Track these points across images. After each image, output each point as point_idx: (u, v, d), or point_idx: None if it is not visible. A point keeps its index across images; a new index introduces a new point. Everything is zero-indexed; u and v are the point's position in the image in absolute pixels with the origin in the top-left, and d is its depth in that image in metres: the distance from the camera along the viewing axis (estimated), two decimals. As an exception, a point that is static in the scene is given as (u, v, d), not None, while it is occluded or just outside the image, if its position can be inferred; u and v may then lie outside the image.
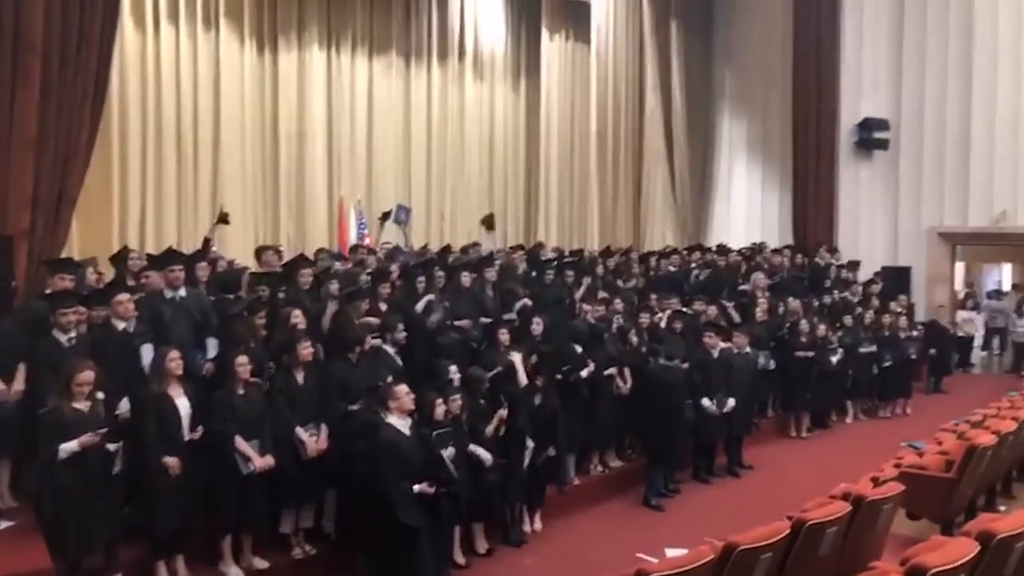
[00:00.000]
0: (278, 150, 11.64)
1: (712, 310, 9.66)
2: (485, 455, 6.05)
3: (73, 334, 5.67)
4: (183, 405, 5.36)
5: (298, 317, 6.32)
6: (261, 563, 5.68)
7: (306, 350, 5.89)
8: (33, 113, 6.17)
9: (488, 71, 14.33)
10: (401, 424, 5.37)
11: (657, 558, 4.76)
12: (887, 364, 10.99)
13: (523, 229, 14.88)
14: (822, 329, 10.26)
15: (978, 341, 15.33)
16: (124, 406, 5.53)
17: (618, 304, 8.69)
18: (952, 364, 13.35)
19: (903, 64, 14.40)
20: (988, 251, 16.59)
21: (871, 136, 14.34)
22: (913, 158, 14.41)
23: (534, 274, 9.41)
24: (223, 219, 8.56)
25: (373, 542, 5.40)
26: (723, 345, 8.53)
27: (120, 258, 7.54)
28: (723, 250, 12.47)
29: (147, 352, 5.77)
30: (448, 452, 5.57)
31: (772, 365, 9.63)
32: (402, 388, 5.46)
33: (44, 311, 5.80)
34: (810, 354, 9.90)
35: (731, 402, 8.24)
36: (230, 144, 11.03)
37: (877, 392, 11.29)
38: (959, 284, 16.01)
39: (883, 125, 14.35)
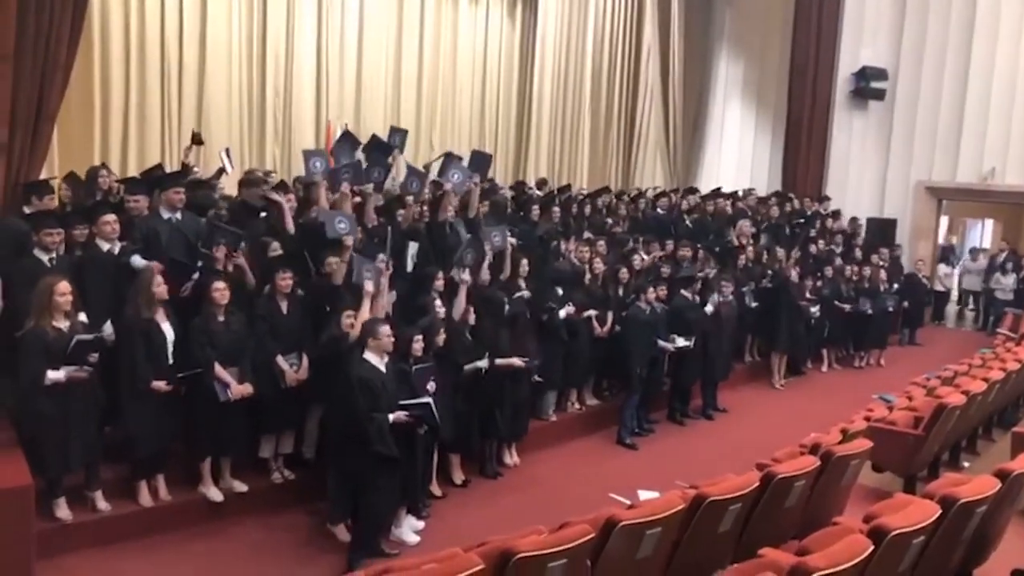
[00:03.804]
0: (265, 72, 11.35)
1: (693, 261, 9.64)
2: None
3: (54, 254, 5.60)
4: (168, 330, 5.37)
5: (276, 249, 6.28)
6: (241, 486, 5.79)
7: (284, 280, 5.87)
8: (11, 26, 5.92)
9: (484, -5, 13.94)
10: (377, 361, 5.33)
11: (629, 499, 4.88)
12: (868, 312, 11.09)
13: (512, 163, 14.73)
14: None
15: (954, 295, 15.58)
16: (108, 329, 5.52)
17: (601, 246, 8.69)
18: (923, 317, 13.55)
19: (906, 14, 14.15)
20: (972, 207, 16.66)
21: (868, 85, 14.17)
22: (907, 110, 14.29)
23: (521, 213, 9.33)
24: (196, 140, 8.28)
25: (344, 464, 5.43)
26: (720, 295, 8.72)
27: (90, 176, 7.30)
28: (715, 194, 12.42)
29: (138, 260, 5.73)
30: (431, 386, 5.62)
31: (755, 304, 9.70)
32: (384, 329, 5.38)
33: (23, 230, 5.72)
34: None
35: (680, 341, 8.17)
36: (216, 63, 10.73)
37: (853, 342, 11.47)
38: (942, 239, 16.14)
39: (881, 75, 14.17)
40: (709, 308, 8.66)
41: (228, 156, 8.44)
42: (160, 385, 5.24)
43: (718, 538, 3.86)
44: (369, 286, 5.79)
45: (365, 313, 5.73)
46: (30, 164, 6.40)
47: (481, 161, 8.31)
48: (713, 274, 9.30)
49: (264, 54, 11.29)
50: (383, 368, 5.33)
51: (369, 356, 5.32)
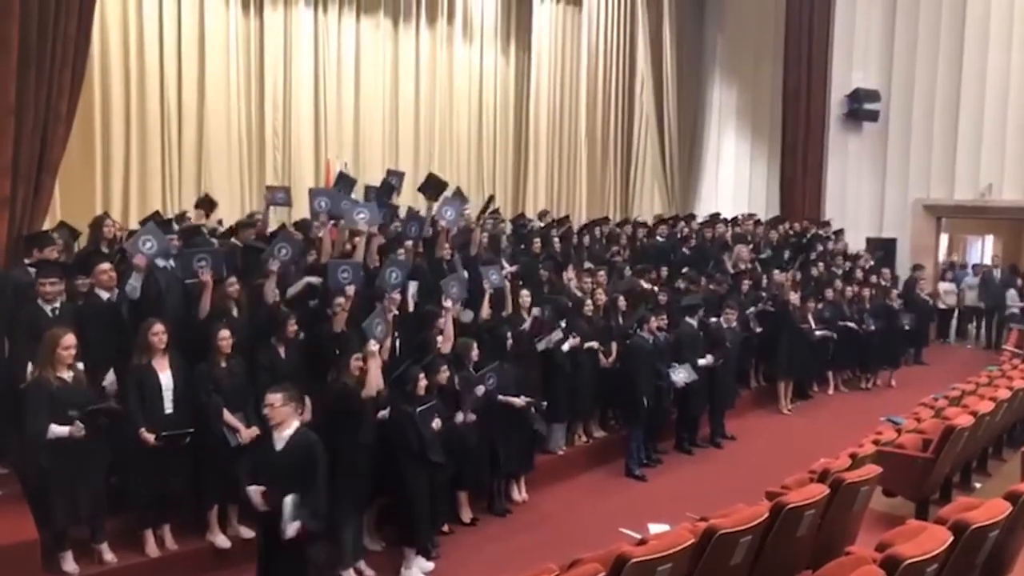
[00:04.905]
0: (264, 113, 11.48)
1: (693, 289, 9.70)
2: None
3: (57, 304, 5.63)
4: (166, 378, 5.35)
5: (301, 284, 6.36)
6: (248, 532, 5.72)
7: (292, 327, 5.87)
8: (11, 80, 6.03)
9: (478, 34, 14.14)
10: (276, 434, 4.52)
11: (640, 533, 4.83)
12: (871, 329, 11.05)
13: (511, 195, 14.81)
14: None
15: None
16: (110, 377, 5.52)
17: (602, 276, 8.70)
18: (929, 336, 13.50)
19: (895, 36, 14.33)
20: (971, 223, 16.71)
21: (861, 107, 14.31)
22: (902, 130, 14.42)
23: (522, 246, 9.37)
24: (206, 204, 8.41)
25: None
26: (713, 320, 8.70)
27: (95, 225, 7.32)
28: (712, 220, 12.48)
29: (134, 288, 5.74)
30: (436, 423, 5.60)
31: (759, 328, 9.69)
32: (269, 397, 4.50)
33: (24, 281, 5.76)
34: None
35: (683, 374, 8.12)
36: (215, 107, 10.85)
37: (860, 363, 11.40)
38: (943, 256, 16.13)
39: (873, 96, 14.30)
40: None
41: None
42: (148, 438, 5.18)
43: (730, 572, 3.81)
44: (373, 345, 5.58)
45: (375, 368, 5.54)
46: (32, 216, 6.46)
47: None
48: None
49: (262, 95, 11.44)
50: (278, 442, 4.49)
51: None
